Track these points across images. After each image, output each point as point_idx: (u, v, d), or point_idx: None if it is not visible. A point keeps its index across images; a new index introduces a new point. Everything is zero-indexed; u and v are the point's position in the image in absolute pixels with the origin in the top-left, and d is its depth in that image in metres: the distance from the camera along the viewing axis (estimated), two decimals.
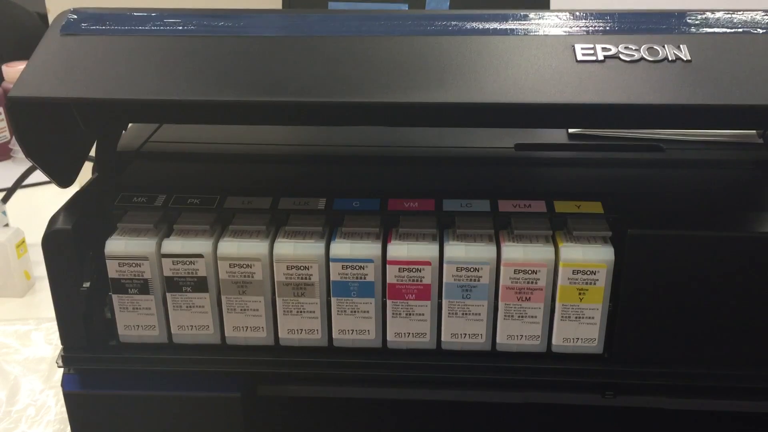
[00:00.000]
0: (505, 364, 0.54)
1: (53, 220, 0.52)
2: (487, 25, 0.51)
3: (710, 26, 0.51)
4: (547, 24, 0.51)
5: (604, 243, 0.51)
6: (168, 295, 0.53)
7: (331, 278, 0.52)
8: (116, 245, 0.52)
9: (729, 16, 0.51)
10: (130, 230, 0.53)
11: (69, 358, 0.55)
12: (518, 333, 0.53)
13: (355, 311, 0.53)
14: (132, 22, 0.52)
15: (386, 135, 0.66)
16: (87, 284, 0.53)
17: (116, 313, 0.54)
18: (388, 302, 0.53)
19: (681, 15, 0.52)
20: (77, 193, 0.56)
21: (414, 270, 0.51)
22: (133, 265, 0.52)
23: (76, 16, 0.53)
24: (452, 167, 0.61)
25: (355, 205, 0.54)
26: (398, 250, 0.51)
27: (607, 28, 0.51)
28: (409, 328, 0.53)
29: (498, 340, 0.53)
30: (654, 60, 0.49)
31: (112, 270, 0.53)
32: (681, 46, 0.49)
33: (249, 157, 0.63)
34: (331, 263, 0.52)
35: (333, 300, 0.53)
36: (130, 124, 0.66)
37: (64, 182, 0.55)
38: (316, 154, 0.64)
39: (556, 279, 0.51)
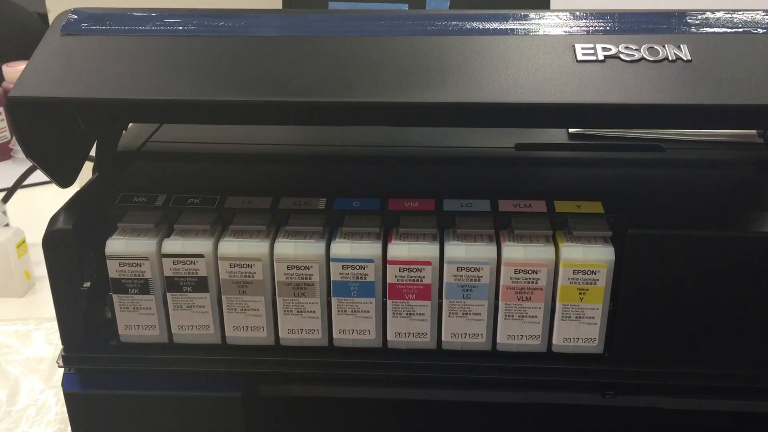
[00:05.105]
0: (506, 364, 0.54)
1: (53, 220, 0.52)
2: (487, 25, 0.51)
3: (710, 26, 0.51)
4: (548, 24, 0.51)
5: (604, 243, 0.51)
6: (168, 295, 0.53)
7: (332, 278, 0.52)
8: (116, 245, 0.52)
9: (729, 16, 0.51)
10: (131, 230, 0.53)
11: (69, 358, 0.55)
12: (518, 333, 0.53)
13: (355, 311, 0.53)
14: (132, 22, 0.52)
15: (386, 135, 0.66)
16: (87, 284, 0.53)
17: (116, 313, 0.54)
18: (389, 302, 0.53)
19: (681, 15, 0.52)
20: (77, 193, 0.56)
21: (414, 270, 0.51)
22: (134, 265, 0.52)
23: (76, 16, 0.53)
24: (452, 167, 0.61)
25: (355, 205, 0.54)
26: (399, 249, 0.51)
27: (608, 28, 0.51)
28: (409, 328, 0.53)
29: (498, 339, 0.53)
30: (654, 60, 0.49)
31: (113, 270, 0.53)
32: (681, 46, 0.49)
33: (249, 157, 0.63)
34: (331, 263, 0.52)
35: (333, 300, 0.53)
36: (130, 124, 0.66)
37: (64, 182, 0.55)
38: (316, 154, 0.64)
39: (557, 279, 0.51)
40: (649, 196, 0.56)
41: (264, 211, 0.54)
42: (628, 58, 0.49)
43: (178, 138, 0.65)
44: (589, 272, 0.51)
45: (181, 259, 0.52)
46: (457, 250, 0.51)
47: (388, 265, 0.52)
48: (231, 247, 0.52)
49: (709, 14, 0.51)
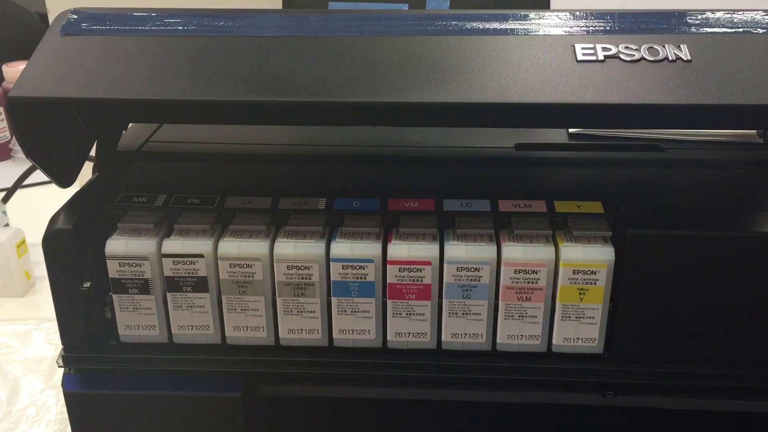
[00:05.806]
0: (505, 364, 0.54)
1: (53, 220, 0.52)
2: (487, 25, 0.51)
3: (710, 26, 0.51)
4: (548, 24, 0.51)
5: (604, 243, 0.51)
6: (168, 295, 0.53)
7: (332, 278, 0.52)
8: (116, 245, 0.52)
9: (729, 16, 0.51)
10: (131, 230, 0.53)
11: (69, 358, 0.55)
12: (518, 333, 0.53)
13: (355, 311, 0.53)
14: (132, 22, 0.52)
15: (386, 135, 0.66)
16: (87, 284, 0.53)
17: (116, 313, 0.54)
18: (389, 302, 0.53)
19: (681, 15, 0.52)
20: (77, 193, 0.56)
21: (414, 270, 0.51)
22: (134, 265, 0.52)
23: (76, 16, 0.53)
24: (452, 167, 0.61)
25: (355, 205, 0.54)
26: (399, 249, 0.51)
27: (607, 28, 0.51)
28: (409, 328, 0.53)
29: (498, 339, 0.53)
30: (654, 60, 0.49)
31: (113, 270, 0.53)
32: (681, 46, 0.49)
33: (249, 157, 0.63)
34: (331, 263, 0.52)
35: (333, 300, 0.53)
36: (130, 124, 0.66)
37: (64, 182, 0.55)
38: (316, 154, 0.64)
39: (557, 279, 0.51)
40: (649, 196, 0.56)
41: (264, 211, 0.54)
42: (628, 58, 0.49)
43: (178, 138, 0.65)
44: (589, 272, 0.51)
45: (181, 259, 0.52)
46: (457, 250, 0.51)
47: (388, 265, 0.52)
48: (231, 247, 0.52)
49: (709, 14, 0.51)
